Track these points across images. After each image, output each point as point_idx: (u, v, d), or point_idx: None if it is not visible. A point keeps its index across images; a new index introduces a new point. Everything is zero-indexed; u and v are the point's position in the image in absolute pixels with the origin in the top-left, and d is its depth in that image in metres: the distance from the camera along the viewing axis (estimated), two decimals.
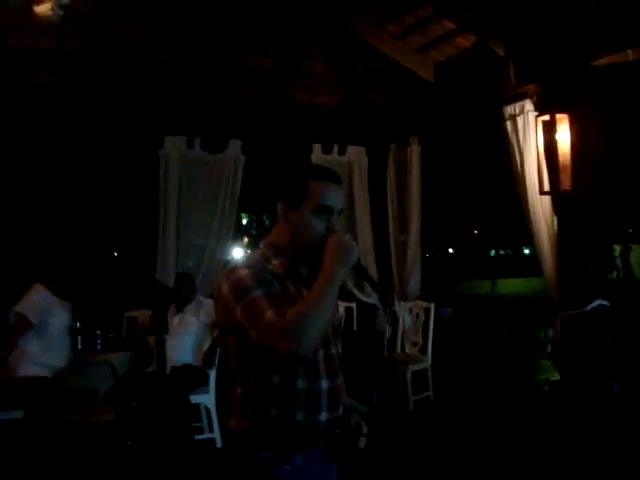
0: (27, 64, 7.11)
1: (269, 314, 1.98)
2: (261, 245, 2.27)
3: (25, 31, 6.67)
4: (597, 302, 5.73)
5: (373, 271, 8.39)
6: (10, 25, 6.59)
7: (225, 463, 2.18)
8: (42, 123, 7.18)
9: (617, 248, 30.54)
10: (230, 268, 2.17)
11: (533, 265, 6.29)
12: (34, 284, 5.55)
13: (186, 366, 5.87)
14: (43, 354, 5.43)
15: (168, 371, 5.77)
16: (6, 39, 6.80)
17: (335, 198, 2.18)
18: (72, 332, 5.83)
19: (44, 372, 5.41)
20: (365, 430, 2.32)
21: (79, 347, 6.09)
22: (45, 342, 5.45)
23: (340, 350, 2.31)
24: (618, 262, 30.47)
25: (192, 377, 5.83)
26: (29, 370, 5.36)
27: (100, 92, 7.32)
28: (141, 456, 5.56)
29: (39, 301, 5.46)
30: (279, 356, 1.99)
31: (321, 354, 2.15)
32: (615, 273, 29.33)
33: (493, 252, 47.18)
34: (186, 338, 5.97)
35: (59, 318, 5.56)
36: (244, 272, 2.09)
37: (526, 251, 44.70)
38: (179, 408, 5.61)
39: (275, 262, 2.17)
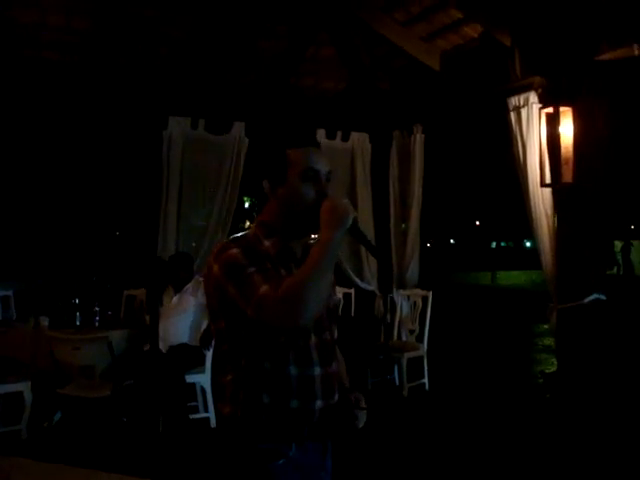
0: (36, 40, 7.10)
1: (264, 288, 1.91)
2: (253, 225, 2.20)
3: (34, 7, 6.68)
4: (594, 296, 5.73)
5: (372, 259, 8.41)
6: (19, 1, 6.60)
7: (218, 450, 2.12)
8: (48, 98, 7.18)
9: (618, 244, 30.68)
10: (220, 247, 2.09)
11: (534, 258, 6.32)
12: None
13: (183, 345, 5.91)
14: None
15: (165, 350, 5.81)
16: (15, 15, 6.79)
17: (319, 160, 2.11)
18: (71, 308, 5.86)
19: None
20: (364, 405, 2.26)
21: (77, 323, 6.13)
22: None
23: (336, 336, 2.23)
24: (619, 258, 30.63)
25: (188, 356, 5.87)
26: None
27: (107, 71, 7.32)
28: (136, 433, 5.61)
29: None
30: (277, 331, 1.94)
31: (313, 340, 2.09)
32: (616, 269, 29.49)
33: (494, 244, 47.18)
34: (184, 317, 6.00)
35: None
36: (235, 250, 2.03)
37: (528, 244, 44.74)
38: (175, 387, 5.65)
39: (267, 243, 2.10)
